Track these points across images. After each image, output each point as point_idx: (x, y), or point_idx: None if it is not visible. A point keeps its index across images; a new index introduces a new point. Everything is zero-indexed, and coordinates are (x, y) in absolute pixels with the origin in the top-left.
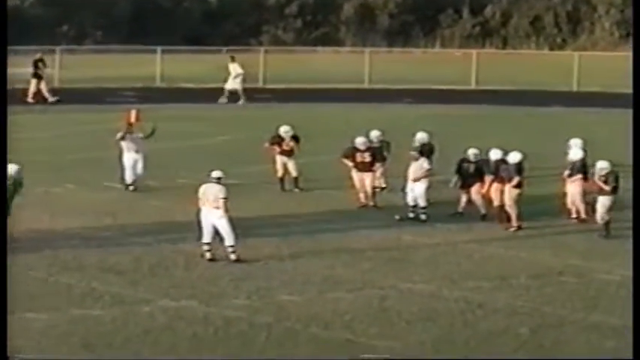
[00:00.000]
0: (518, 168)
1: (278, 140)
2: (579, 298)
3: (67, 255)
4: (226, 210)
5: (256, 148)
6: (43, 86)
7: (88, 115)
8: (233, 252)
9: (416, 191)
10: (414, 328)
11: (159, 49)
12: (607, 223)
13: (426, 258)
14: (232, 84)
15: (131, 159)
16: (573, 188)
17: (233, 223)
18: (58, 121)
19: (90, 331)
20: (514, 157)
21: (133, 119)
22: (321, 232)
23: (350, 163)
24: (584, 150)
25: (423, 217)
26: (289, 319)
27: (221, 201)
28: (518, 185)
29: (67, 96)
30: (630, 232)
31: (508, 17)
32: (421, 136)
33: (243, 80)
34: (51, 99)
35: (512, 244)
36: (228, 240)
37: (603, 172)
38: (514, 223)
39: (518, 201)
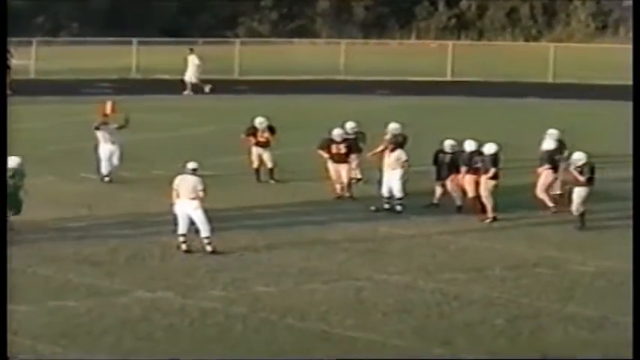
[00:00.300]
0: (494, 159)
1: (253, 131)
2: (555, 289)
3: (45, 246)
4: (203, 201)
5: (232, 139)
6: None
7: (64, 106)
8: (209, 243)
9: (392, 182)
10: (389, 320)
11: (135, 40)
12: (582, 215)
13: (401, 249)
14: (192, 76)
15: (107, 150)
16: (541, 179)
17: (208, 214)
18: (33, 112)
19: (68, 322)
20: (490, 149)
21: (108, 111)
22: (297, 224)
23: (326, 155)
24: (559, 141)
25: (398, 208)
26: (265, 310)
27: (200, 192)
28: (494, 177)
29: (43, 88)
30: (606, 224)
31: (484, 9)
32: (394, 127)
33: (201, 72)
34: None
35: (488, 235)
36: (204, 231)
37: (579, 164)
38: (489, 214)
39: (494, 192)
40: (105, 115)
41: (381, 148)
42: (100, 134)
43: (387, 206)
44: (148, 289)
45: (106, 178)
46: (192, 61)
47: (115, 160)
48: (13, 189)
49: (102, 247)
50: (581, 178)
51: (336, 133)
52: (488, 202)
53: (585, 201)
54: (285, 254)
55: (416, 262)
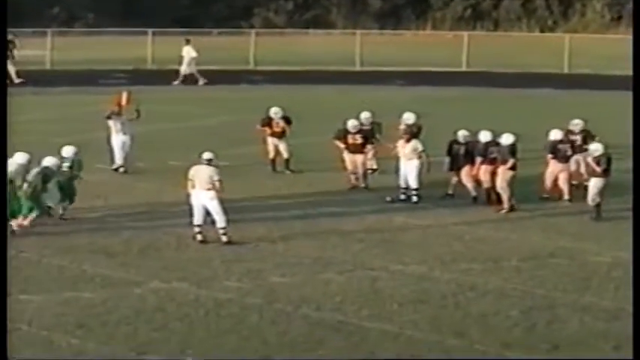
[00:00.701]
0: (512, 150)
1: (269, 122)
2: (570, 280)
3: (59, 237)
4: (220, 191)
5: (247, 129)
6: (10, 67)
7: (79, 96)
8: (224, 234)
9: (408, 173)
10: (405, 310)
11: (150, 31)
12: (598, 205)
13: (416, 240)
14: (187, 68)
15: (119, 141)
16: (548, 168)
17: (224, 205)
18: (49, 103)
19: (83, 312)
20: (507, 139)
21: (124, 101)
22: (313, 214)
23: (342, 145)
24: (586, 131)
25: (414, 198)
26: (280, 300)
27: (216, 183)
28: (513, 167)
29: (58, 78)
30: (622, 214)
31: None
32: (408, 117)
33: (197, 63)
34: (16, 80)
35: (503, 226)
36: (220, 222)
37: (596, 154)
38: (505, 205)
39: (512, 183)
40: (120, 105)
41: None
42: (111, 124)
43: (403, 197)
44: (163, 279)
45: (120, 169)
46: (189, 52)
47: (128, 150)
48: (68, 179)
49: (116, 238)
50: (598, 169)
51: (352, 123)
52: (504, 193)
53: (602, 192)
54: (300, 245)
55: (431, 253)
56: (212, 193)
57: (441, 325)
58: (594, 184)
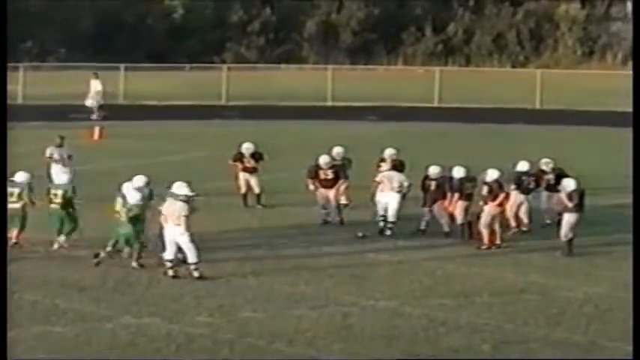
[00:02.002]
0: (500, 185)
1: (240, 157)
2: (542, 315)
3: (31, 271)
4: (187, 228)
5: (220, 164)
6: None
7: (52, 131)
8: (196, 269)
9: (389, 204)
10: (377, 345)
11: (122, 66)
12: (570, 241)
13: (388, 275)
14: (92, 101)
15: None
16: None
17: (195, 240)
18: (21, 137)
19: (53, 347)
20: (493, 174)
21: (96, 136)
22: (284, 249)
23: (312, 187)
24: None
25: (388, 232)
26: (252, 335)
27: (182, 218)
28: (500, 204)
29: (30, 113)
30: (594, 250)
31: (471, 35)
32: (391, 152)
33: (103, 97)
34: None
35: (475, 261)
36: (191, 257)
37: (568, 189)
38: (486, 241)
39: (497, 220)
40: (92, 140)
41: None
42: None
43: (381, 224)
44: (135, 314)
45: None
46: (95, 86)
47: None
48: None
49: (89, 272)
50: (570, 204)
51: (323, 160)
52: (486, 230)
53: (574, 227)
54: (271, 280)
55: (403, 288)
56: (182, 228)
57: None
58: (567, 220)
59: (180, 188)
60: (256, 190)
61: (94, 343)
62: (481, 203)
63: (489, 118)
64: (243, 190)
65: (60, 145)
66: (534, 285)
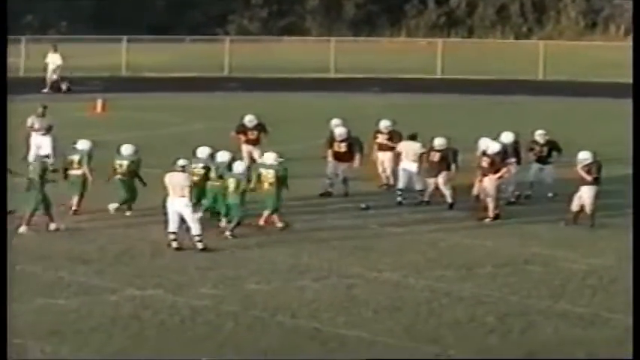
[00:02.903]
0: (500, 157)
1: (243, 129)
2: (545, 286)
3: (33, 244)
4: (191, 198)
5: (222, 137)
6: None
7: (54, 104)
8: (199, 241)
9: (414, 174)
10: (380, 317)
11: (124, 38)
12: (592, 214)
13: (391, 247)
14: (52, 75)
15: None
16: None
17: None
18: (23, 110)
19: (57, 319)
20: (493, 147)
21: (99, 109)
22: (288, 221)
23: (329, 157)
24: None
25: (420, 198)
26: (256, 307)
27: (186, 189)
28: (501, 175)
29: (32, 85)
30: (597, 221)
31: (474, 6)
32: (386, 124)
33: (61, 71)
34: None
35: (478, 233)
36: (195, 229)
37: (586, 163)
38: (490, 213)
39: (499, 191)
40: (95, 113)
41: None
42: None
43: (399, 199)
44: (138, 287)
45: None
46: (54, 59)
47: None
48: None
49: (92, 245)
50: (589, 178)
51: (339, 131)
52: (491, 201)
53: (594, 200)
54: (275, 252)
55: (406, 260)
56: (186, 199)
57: (415, 332)
58: (588, 193)
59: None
60: (259, 161)
61: (97, 315)
62: (480, 175)
63: (492, 90)
64: (246, 162)
65: (42, 115)
66: (538, 256)
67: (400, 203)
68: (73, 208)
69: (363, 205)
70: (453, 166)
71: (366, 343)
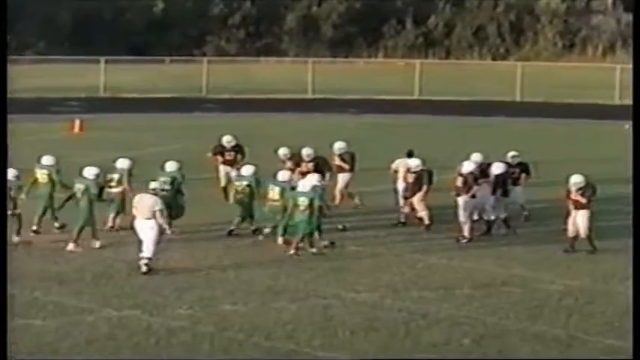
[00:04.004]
0: (473, 177)
1: (220, 150)
2: (523, 308)
3: (9, 265)
4: (161, 221)
5: (199, 157)
6: None
7: (31, 124)
8: (146, 264)
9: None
10: (357, 338)
11: (102, 59)
12: (590, 238)
13: (368, 267)
14: None
15: None
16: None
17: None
18: None
19: (34, 340)
20: (467, 167)
21: (77, 129)
22: (264, 242)
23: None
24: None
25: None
26: (232, 328)
27: (157, 212)
28: (473, 196)
29: (10, 106)
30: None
31: (451, 27)
32: (339, 146)
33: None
34: None
35: (456, 254)
36: (146, 251)
37: (580, 186)
38: (466, 234)
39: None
40: (72, 133)
41: None
42: None
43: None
44: (115, 307)
45: None
46: None
47: None
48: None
49: (69, 265)
50: (583, 200)
51: (306, 152)
52: (466, 222)
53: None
54: (252, 272)
55: (383, 281)
56: (152, 222)
57: (392, 353)
58: (583, 216)
59: (153, 183)
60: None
61: (75, 336)
62: (453, 194)
63: (470, 111)
64: (223, 183)
65: None
66: (515, 278)
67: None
68: (109, 224)
69: (340, 226)
70: (424, 187)
71: None
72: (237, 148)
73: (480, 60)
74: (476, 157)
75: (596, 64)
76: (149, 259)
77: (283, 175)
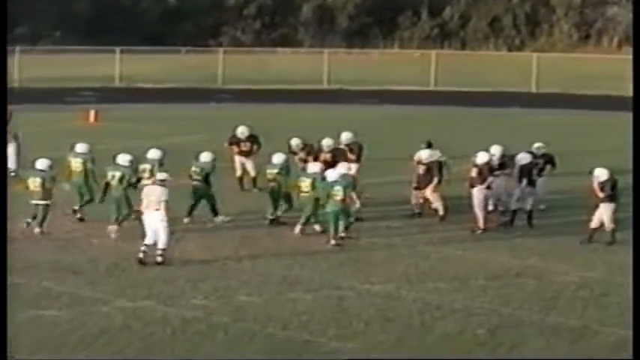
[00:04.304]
0: (488, 168)
1: (235, 141)
2: (537, 299)
3: (23, 255)
4: (166, 212)
5: (215, 147)
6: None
7: (47, 114)
8: (161, 255)
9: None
10: (371, 329)
11: (118, 49)
12: (613, 231)
13: (383, 259)
14: None
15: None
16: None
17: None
18: (16, 120)
19: (48, 331)
20: (482, 157)
21: (92, 119)
22: (280, 232)
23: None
24: (545, 155)
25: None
26: (247, 319)
27: (162, 203)
28: (489, 186)
29: (25, 96)
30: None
31: (467, 19)
32: (347, 136)
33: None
34: None
35: (470, 245)
36: (161, 243)
37: (601, 179)
38: (481, 225)
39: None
40: (88, 123)
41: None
42: None
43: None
44: (129, 298)
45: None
46: None
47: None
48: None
49: (83, 256)
50: (602, 195)
51: (326, 143)
52: (480, 212)
53: (612, 216)
54: (267, 263)
55: (398, 272)
56: (161, 213)
57: (407, 344)
58: (605, 210)
59: (160, 174)
60: (252, 173)
61: (89, 326)
62: (468, 185)
63: (485, 102)
64: (238, 173)
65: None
66: (530, 269)
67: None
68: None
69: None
70: (435, 179)
71: (358, 355)
72: (253, 139)
73: (495, 51)
74: (495, 149)
75: (612, 56)
76: (164, 250)
77: (314, 167)
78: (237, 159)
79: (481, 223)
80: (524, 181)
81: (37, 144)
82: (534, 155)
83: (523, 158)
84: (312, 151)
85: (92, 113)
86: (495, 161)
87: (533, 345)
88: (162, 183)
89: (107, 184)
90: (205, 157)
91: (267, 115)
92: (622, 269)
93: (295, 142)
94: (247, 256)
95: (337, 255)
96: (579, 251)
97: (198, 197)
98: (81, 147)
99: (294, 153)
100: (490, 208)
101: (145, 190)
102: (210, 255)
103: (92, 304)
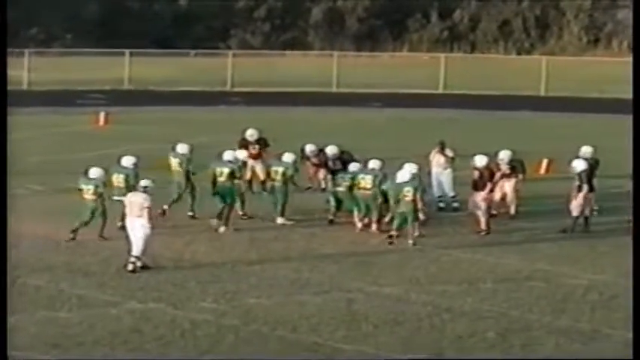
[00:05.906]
0: (489, 171)
1: (245, 143)
2: (547, 302)
3: (34, 257)
4: (150, 219)
5: (224, 150)
6: None
7: (57, 117)
8: (133, 262)
9: (443, 182)
10: (380, 332)
11: (127, 52)
12: (586, 219)
13: (393, 261)
14: None
15: None
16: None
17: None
18: (26, 123)
19: (58, 332)
20: (481, 160)
21: (102, 122)
22: (289, 235)
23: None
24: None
25: (455, 204)
26: (256, 322)
27: (145, 210)
28: (491, 189)
29: (36, 99)
30: (599, 237)
31: (476, 22)
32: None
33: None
34: None
35: (480, 248)
36: (135, 249)
37: (577, 171)
38: (484, 226)
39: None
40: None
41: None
42: None
43: (441, 205)
44: (139, 300)
45: None
46: None
47: None
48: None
49: (93, 258)
50: (576, 183)
51: (308, 149)
52: (483, 215)
53: (585, 205)
54: (276, 266)
55: (407, 275)
56: (143, 220)
57: (416, 346)
58: (578, 199)
59: (143, 181)
60: (261, 176)
61: (98, 328)
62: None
63: (494, 105)
64: (248, 176)
65: None
66: (539, 272)
67: (441, 209)
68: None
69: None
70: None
71: (367, 358)
72: (262, 142)
73: (505, 54)
74: (504, 154)
75: (622, 59)
76: (137, 258)
77: (374, 163)
78: (247, 162)
79: (484, 225)
80: (585, 188)
81: (47, 146)
82: (586, 160)
83: (579, 165)
84: (325, 158)
85: (102, 116)
86: (504, 166)
87: (543, 348)
88: (145, 190)
89: (214, 180)
90: (288, 157)
91: (277, 118)
92: (630, 272)
93: (310, 147)
94: (257, 259)
95: (346, 258)
96: (587, 254)
97: (277, 196)
98: (181, 147)
99: (307, 158)
100: (493, 212)
101: (128, 197)
102: (220, 258)
103: (102, 306)
